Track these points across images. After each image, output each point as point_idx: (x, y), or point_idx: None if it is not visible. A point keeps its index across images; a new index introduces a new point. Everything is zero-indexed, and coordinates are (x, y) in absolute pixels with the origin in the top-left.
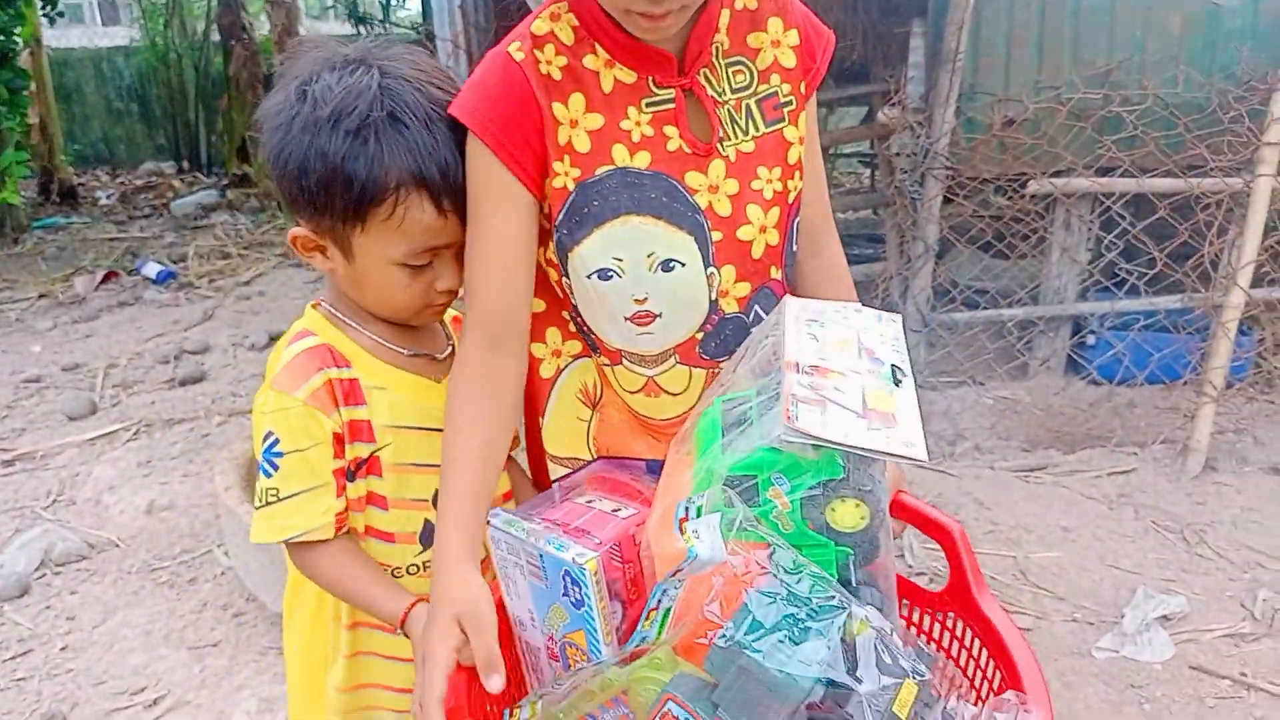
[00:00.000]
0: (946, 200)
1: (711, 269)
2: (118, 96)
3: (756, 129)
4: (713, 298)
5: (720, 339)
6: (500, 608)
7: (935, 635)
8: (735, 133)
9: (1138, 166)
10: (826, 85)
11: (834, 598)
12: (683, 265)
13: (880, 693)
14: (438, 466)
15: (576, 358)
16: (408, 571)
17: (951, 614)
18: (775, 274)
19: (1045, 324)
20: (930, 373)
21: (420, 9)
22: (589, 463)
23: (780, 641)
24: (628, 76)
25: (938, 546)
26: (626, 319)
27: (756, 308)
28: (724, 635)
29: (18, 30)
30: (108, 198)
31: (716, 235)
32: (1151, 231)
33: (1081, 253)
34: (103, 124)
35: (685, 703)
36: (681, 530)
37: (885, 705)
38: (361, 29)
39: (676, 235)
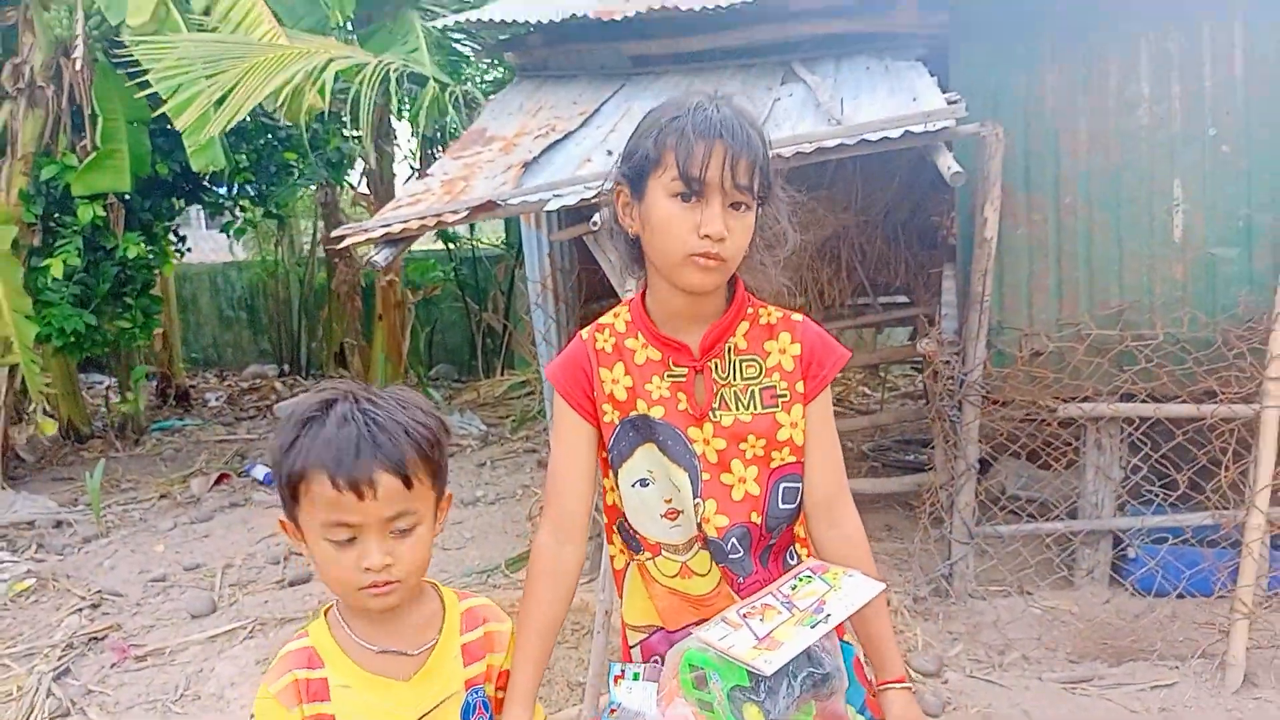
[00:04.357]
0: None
1: (698, 500)
2: (229, 306)
3: (756, 409)
4: (698, 521)
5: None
6: None
7: None
8: (738, 407)
9: (1156, 395)
10: (874, 308)
11: None
12: (679, 491)
13: None
14: None
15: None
16: None
17: None
18: (755, 518)
19: (1085, 537)
20: (979, 582)
21: (503, 229)
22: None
23: None
24: (655, 355)
25: None
26: (661, 515)
27: (734, 539)
28: None
29: (161, 268)
30: (217, 399)
31: (705, 476)
32: (1176, 452)
33: (1115, 470)
34: (214, 330)
35: None
36: (616, 684)
37: None
38: (450, 246)
39: (675, 470)
